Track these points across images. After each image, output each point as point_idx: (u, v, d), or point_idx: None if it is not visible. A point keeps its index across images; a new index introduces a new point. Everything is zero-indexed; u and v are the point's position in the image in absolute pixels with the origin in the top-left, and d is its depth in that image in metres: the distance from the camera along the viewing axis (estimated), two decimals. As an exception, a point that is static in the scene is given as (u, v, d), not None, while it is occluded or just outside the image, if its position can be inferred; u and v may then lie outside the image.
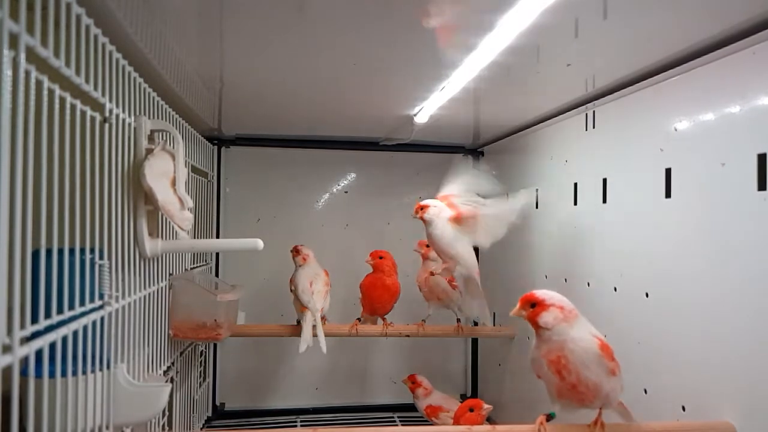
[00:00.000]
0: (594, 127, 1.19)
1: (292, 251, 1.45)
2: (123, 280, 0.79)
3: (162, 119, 0.99)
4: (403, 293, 1.55)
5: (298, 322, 1.41)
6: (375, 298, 1.45)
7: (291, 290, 1.40)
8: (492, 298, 1.78)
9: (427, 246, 1.42)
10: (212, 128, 1.63)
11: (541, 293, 0.86)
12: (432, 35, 0.84)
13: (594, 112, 1.18)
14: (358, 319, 1.47)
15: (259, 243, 0.96)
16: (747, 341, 0.78)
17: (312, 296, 1.36)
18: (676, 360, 0.91)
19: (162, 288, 1.03)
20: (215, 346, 1.75)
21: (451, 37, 0.86)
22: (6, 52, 0.45)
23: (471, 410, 1.22)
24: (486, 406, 1.24)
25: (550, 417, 0.85)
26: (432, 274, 1.40)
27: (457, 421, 1.23)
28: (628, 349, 1.01)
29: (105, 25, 0.70)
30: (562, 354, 0.82)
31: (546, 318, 0.83)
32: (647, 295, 0.99)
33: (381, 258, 1.46)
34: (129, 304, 0.81)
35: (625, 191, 1.07)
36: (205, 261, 1.60)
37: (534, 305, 0.85)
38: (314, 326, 1.34)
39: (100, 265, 0.69)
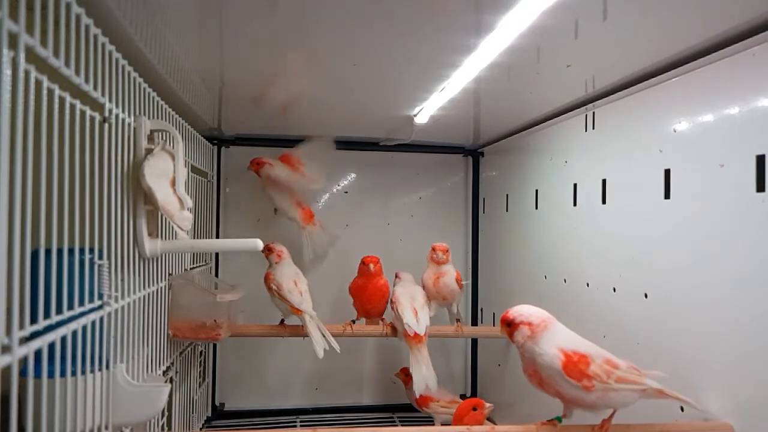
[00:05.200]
0: (594, 128, 1.19)
1: (264, 250, 1.44)
2: (122, 280, 0.79)
3: (162, 119, 0.99)
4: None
5: (282, 321, 1.41)
6: (365, 299, 1.47)
7: (271, 290, 1.37)
8: (491, 298, 1.79)
9: (447, 251, 1.48)
10: (212, 128, 1.63)
11: (513, 312, 0.87)
12: (432, 35, 0.84)
13: (594, 113, 1.19)
14: (353, 321, 1.47)
15: (259, 243, 0.96)
16: (746, 342, 0.78)
17: (302, 297, 1.35)
18: (674, 360, 0.91)
19: (161, 288, 1.03)
20: (215, 346, 1.75)
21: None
22: (5, 51, 0.45)
23: (474, 409, 1.24)
24: (487, 404, 1.26)
25: (556, 421, 0.86)
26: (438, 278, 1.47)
27: (459, 420, 1.24)
28: (627, 350, 1.01)
29: (105, 25, 0.70)
30: (534, 369, 0.84)
31: (516, 337, 0.86)
32: (646, 295, 0.99)
33: (376, 263, 1.48)
34: (128, 304, 0.81)
35: (624, 192, 1.07)
36: (205, 261, 1.60)
37: (509, 324, 0.87)
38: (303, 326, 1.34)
39: (100, 265, 0.69)
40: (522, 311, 0.87)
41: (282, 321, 1.41)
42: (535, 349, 0.83)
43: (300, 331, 1.39)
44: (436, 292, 1.47)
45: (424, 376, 1.30)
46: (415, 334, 1.33)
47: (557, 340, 0.83)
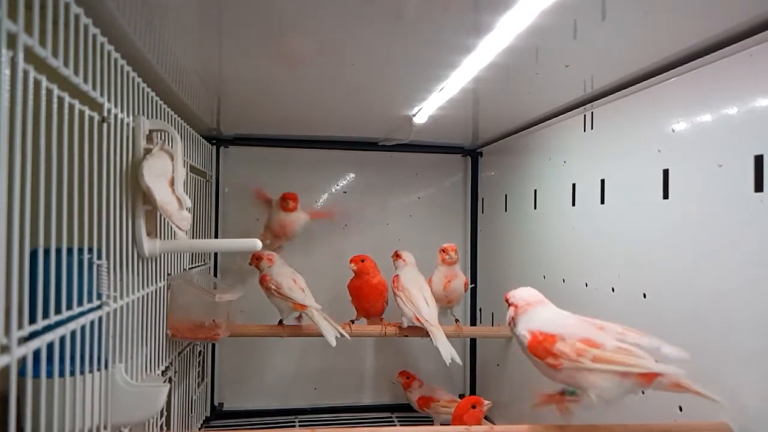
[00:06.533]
0: (592, 128, 1.19)
1: (251, 262, 1.44)
2: (121, 280, 0.79)
3: (161, 119, 0.98)
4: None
5: (281, 321, 1.41)
6: (362, 298, 1.47)
7: (270, 290, 1.37)
8: (490, 298, 1.79)
9: (457, 250, 1.48)
10: (211, 128, 1.63)
11: (509, 293, 0.91)
12: (431, 35, 0.84)
13: (592, 113, 1.19)
14: (352, 321, 1.47)
15: (258, 243, 0.96)
16: (743, 342, 0.78)
17: (304, 292, 1.36)
18: (672, 360, 0.91)
19: (160, 288, 1.03)
20: (214, 346, 1.74)
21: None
22: (4, 51, 0.45)
23: (473, 407, 1.25)
24: (486, 402, 1.27)
25: (568, 393, 0.84)
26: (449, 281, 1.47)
27: (459, 418, 1.25)
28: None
29: (103, 25, 0.70)
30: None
31: (506, 316, 0.90)
32: (645, 295, 0.99)
33: (363, 261, 1.47)
34: (127, 304, 0.81)
35: (623, 192, 1.08)
36: (204, 261, 1.60)
37: (508, 304, 0.90)
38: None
39: (99, 265, 0.69)
40: (515, 294, 0.90)
41: (281, 321, 1.41)
42: (514, 330, 0.87)
43: (299, 331, 1.40)
44: (445, 296, 1.46)
45: (448, 348, 1.31)
46: None
47: (533, 322, 0.85)
